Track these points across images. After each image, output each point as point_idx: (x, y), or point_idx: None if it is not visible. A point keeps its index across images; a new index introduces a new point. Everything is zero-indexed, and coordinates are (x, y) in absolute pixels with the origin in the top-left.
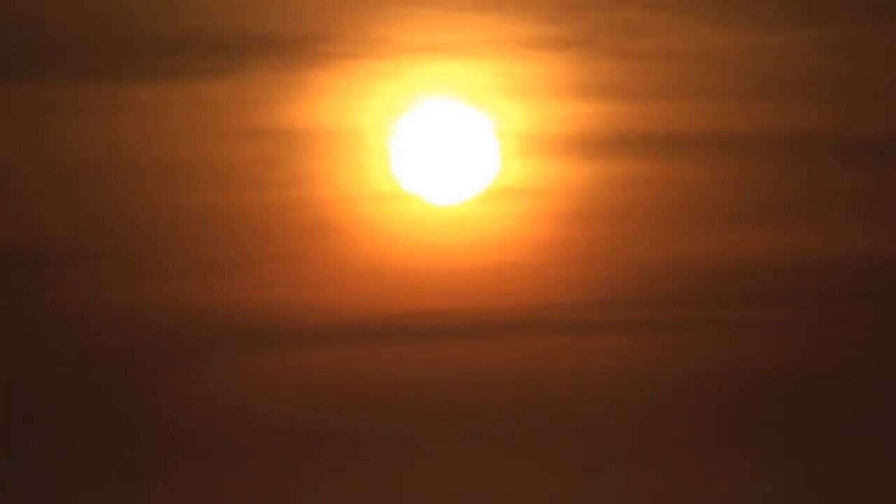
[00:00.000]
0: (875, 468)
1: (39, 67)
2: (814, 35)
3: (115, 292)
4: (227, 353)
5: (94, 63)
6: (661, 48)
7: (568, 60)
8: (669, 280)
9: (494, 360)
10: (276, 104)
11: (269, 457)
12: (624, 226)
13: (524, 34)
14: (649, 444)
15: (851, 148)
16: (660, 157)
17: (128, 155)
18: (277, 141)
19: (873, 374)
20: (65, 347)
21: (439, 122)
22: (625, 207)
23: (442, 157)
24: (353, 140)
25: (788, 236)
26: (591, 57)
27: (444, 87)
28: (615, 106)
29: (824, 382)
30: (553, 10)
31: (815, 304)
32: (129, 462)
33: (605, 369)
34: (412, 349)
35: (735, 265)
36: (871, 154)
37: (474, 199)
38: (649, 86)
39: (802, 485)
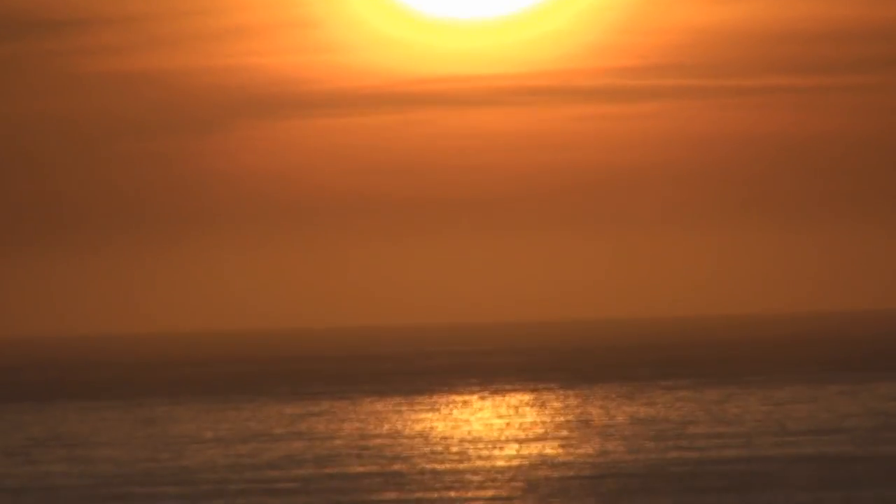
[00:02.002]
0: None
1: None
2: None
3: (139, 57)
4: (252, 117)
5: None
6: None
7: None
8: (704, 46)
9: (522, 125)
10: None
11: (295, 216)
12: None
13: None
14: (672, 207)
15: None
16: None
17: None
18: None
19: None
20: (90, 112)
21: None
22: None
23: None
24: None
25: (832, 3)
26: None
27: None
28: None
29: (860, 150)
30: None
31: (851, 72)
32: (160, 222)
33: (634, 135)
34: (438, 114)
35: (770, 31)
36: None
37: None
38: None
39: (831, 249)
